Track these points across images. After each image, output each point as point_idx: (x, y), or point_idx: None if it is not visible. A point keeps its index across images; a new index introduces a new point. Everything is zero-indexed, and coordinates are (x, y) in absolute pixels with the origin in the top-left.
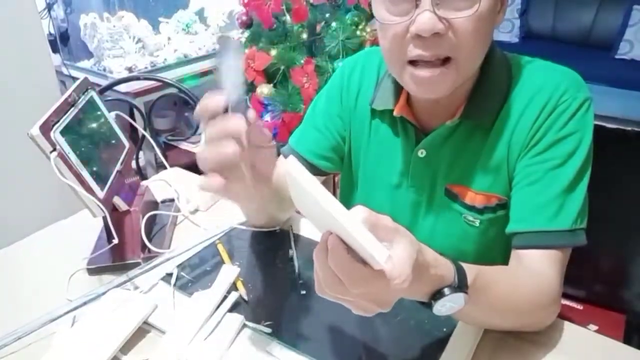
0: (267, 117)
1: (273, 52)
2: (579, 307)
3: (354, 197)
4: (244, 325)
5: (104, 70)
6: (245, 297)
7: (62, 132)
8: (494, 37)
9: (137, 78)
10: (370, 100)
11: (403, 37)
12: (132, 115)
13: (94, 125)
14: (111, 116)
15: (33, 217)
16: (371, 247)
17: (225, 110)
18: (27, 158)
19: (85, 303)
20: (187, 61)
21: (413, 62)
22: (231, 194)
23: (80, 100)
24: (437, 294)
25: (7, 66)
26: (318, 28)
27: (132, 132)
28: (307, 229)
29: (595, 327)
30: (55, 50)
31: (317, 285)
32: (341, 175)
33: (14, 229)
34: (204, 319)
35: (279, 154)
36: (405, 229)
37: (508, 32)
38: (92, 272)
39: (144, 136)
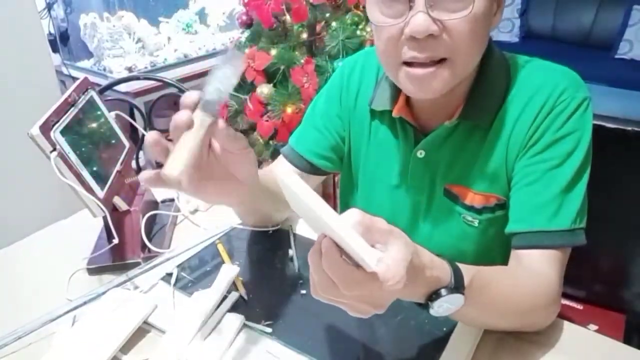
0: (267, 117)
1: (273, 52)
2: (579, 307)
3: (353, 197)
4: (244, 325)
5: (104, 70)
6: (245, 297)
7: (62, 132)
8: (494, 37)
9: (137, 78)
10: (369, 100)
11: (397, 39)
12: (132, 115)
13: (94, 125)
14: (111, 116)
15: (33, 217)
16: (362, 250)
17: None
18: (27, 158)
19: (85, 303)
20: (187, 61)
21: (408, 63)
22: (198, 193)
23: (80, 100)
24: (434, 295)
25: (7, 66)
26: (318, 28)
27: (132, 132)
28: (307, 229)
29: (595, 327)
30: (55, 50)
31: (312, 287)
32: (341, 175)
33: (14, 229)
34: (204, 319)
35: (278, 154)
36: (400, 230)
37: (508, 32)
38: (92, 272)
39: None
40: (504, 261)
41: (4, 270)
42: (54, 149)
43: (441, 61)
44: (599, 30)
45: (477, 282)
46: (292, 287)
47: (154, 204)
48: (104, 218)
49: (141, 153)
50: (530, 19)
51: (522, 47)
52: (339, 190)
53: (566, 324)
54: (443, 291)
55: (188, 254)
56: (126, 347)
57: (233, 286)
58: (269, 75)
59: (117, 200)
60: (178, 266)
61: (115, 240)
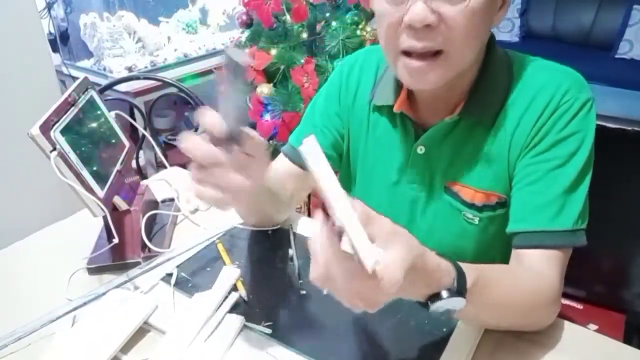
0: (267, 117)
1: (273, 52)
2: (579, 307)
3: (352, 194)
4: (244, 326)
5: (104, 69)
6: (245, 298)
7: (62, 132)
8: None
9: (137, 78)
10: (369, 96)
11: (397, 27)
12: (132, 115)
13: (94, 124)
14: (111, 116)
15: (33, 217)
16: (363, 250)
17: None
18: (27, 158)
19: (85, 303)
20: (187, 61)
21: (406, 53)
22: (221, 204)
23: (80, 99)
24: (435, 297)
25: (7, 66)
26: (318, 28)
27: (132, 132)
28: (307, 229)
29: (595, 327)
30: (55, 49)
31: (310, 271)
32: (340, 174)
33: (14, 229)
34: (204, 320)
35: (278, 154)
36: (405, 232)
37: (508, 31)
38: (92, 271)
39: (144, 136)
40: (503, 259)
41: (4, 270)
42: (54, 149)
43: (437, 54)
44: (599, 30)
45: (480, 283)
46: (292, 288)
47: (154, 204)
48: (104, 218)
49: (141, 153)
50: (530, 19)
51: (522, 47)
52: None
53: (566, 324)
54: (444, 293)
55: (188, 254)
56: (126, 347)
57: (233, 287)
58: (269, 75)
59: (117, 200)
60: (178, 266)
61: (115, 240)
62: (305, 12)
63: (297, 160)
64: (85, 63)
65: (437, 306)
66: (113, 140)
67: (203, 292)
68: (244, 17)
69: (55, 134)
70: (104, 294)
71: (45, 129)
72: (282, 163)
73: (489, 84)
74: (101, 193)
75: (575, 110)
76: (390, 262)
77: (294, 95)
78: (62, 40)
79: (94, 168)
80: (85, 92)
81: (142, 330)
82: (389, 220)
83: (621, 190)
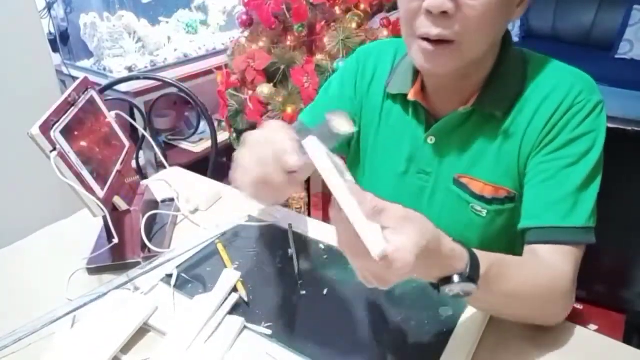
0: (267, 117)
1: (273, 52)
2: (579, 307)
3: (359, 181)
4: (244, 327)
5: (104, 69)
6: (245, 298)
7: (62, 132)
8: None
9: (137, 78)
10: (385, 84)
11: (416, 12)
12: (132, 115)
13: (94, 124)
14: (111, 116)
15: (33, 217)
16: (368, 241)
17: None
18: (27, 158)
19: (85, 303)
20: (187, 61)
21: (422, 37)
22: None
23: (80, 99)
24: (447, 280)
25: (7, 66)
26: (318, 28)
27: (132, 132)
28: (307, 229)
29: (595, 327)
30: (55, 49)
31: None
32: (348, 159)
33: (14, 229)
34: (205, 321)
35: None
36: (420, 215)
37: None
38: (92, 271)
39: (144, 136)
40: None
41: (4, 270)
42: (54, 149)
43: (450, 43)
44: (599, 30)
45: (494, 271)
46: (292, 288)
47: (154, 204)
48: (104, 218)
49: (141, 153)
50: (530, 19)
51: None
52: None
53: (566, 324)
54: (456, 278)
55: (188, 254)
56: (126, 348)
57: (233, 287)
58: (269, 75)
59: (117, 200)
60: (178, 267)
61: (115, 240)
62: (305, 12)
63: (305, 135)
64: (85, 63)
65: (448, 289)
66: (113, 141)
67: (203, 295)
68: (244, 17)
69: (55, 134)
70: (104, 294)
71: (45, 129)
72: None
73: (503, 79)
74: (101, 193)
75: (588, 110)
76: (401, 246)
77: (294, 96)
78: (62, 40)
79: (94, 168)
80: (85, 92)
81: (142, 331)
82: (401, 207)
83: (621, 190)
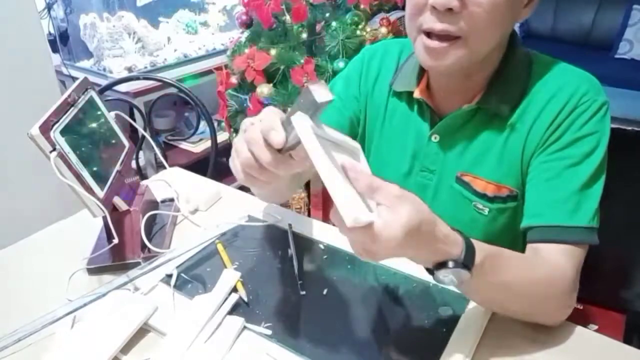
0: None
1: (273, 52)
2: (579, 307)
3: None
4: (244, 327)
5: (104, 70)
6: (245, 299)
7: (62, 132)
8: None
9: (137, 78)
10: (390, 82)
11: (422, 8)
12: (132, 115)
13: (94, 125)
14: (111, 116)
15: (33, 217)
16: (342, 208)
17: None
18: (27, 158)
19: (85, 304)
20: (187, 61)
21: (426, 34)
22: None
23: (80, 100)
24: (441, 265)
25: (7, 66)
26: (318, 28)
27: (132, 132)
28: (307, 229)
29: (595, 327)
30: (55, 50)
31: None
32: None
33: (14, 229)
34: (204, 321)
35: None
36: (416, 197)
37: None
38: (92, 272)
39: (143, 136)
40: None
41: (4, 270)
42: (54, 149)
43: (455, 39)
44: (599, 30)
45: (490, 261)
46: (292, 288)
47: (154, 204)
48: (104, 218)
49: (141, 153)
50: (530, 19)
51: None
52: None
53: (566, 324)
54: (450, 263)
55: (188, 255)
56: (126, 348)
57: (233, 288)
58: (269, 75)
59: (117, 200)
60: (178, 267)
61: (115, 240)
62: (305, 12)
63: None
64: (85, 63)
65: (442, 274)
66: (113, 141)
67: (203, 295)
68: (244, 17)
69: (55, 134)
70: (104, 294)
71: (45, 129)
72: None
73: (508, 78)
74: (101, 193)
75: (593, 111)
76: (391, 221)
77: (294, 96)
78: (62, 41)
79: (94, 168)
80: (85, 93)
81: (142, 331)
82: (397, 186)
83: (621, 190)
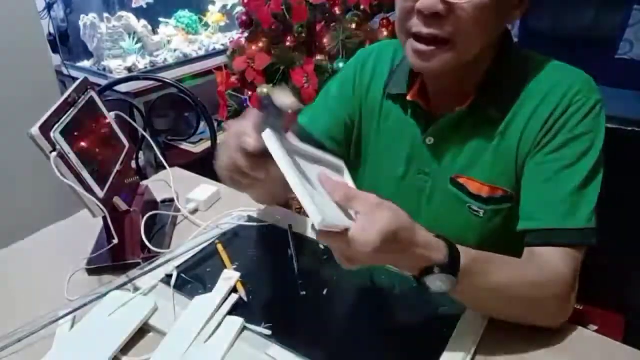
0: None
1: (273, 52)
2: (579, 307)
3: (360, 183)
4: (244, 328)
5: (104, 70)
6: (245, 299)
7: (62, 132)
8: None
9: (137, 78)
10: (384, 85)
11: (410, 12)
12: (132, 115)
13: (94, 125)
14: (111, 116)
15: (33, 217)
16: (310, 213)
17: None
18: (27, 158)
19: (85, 304)
20: (187, 61)
21: (415, 37)
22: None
23: (80, 100)
24: (427, 271)
25: (7, 66)
26: (318, 28)
27: (132, 132)
28: (307, 229)
29: (595, 327)
30: (55, 50)
31: None
32: (349, 162)
33: (14, 229)
34: (204, 321)
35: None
36: (393, 206)
37: None
38: (92, 272)
39: (143, 136)
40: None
41: (4, 270)
42: (54, 149)
43: (443, 42)
44: (599, 31)
45: (479, 266)
46: (292, 288)
47: (154, 204)
48: (104, 218)
49: (141, 154)
50: (530, 19)
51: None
52: None
53: (566, 324)
54: (436, 269)
55: (188, 255)
56: (126, 348)
57: (233, 288)
58: (269, 75)
59: (117, 201)
60: (177, 267)
61: (115, 241)
62: (305, 12)
63: (304, 136)
64: (85, 63)
65: (429, 281)
66: (113, 141)
67: (203, 296)
68: (244, 18)
69: (55, 134)
70: (104, 294)
71: (45, 129)
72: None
73: (501, 80)
74: (101, 194)
75: (587, 110)
76: (368, 226)
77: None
78: (62, 41)
79: (94, 168)
80: (85, 93)
81: (142, 332)
82: (375, 196)
83: (621, 190)
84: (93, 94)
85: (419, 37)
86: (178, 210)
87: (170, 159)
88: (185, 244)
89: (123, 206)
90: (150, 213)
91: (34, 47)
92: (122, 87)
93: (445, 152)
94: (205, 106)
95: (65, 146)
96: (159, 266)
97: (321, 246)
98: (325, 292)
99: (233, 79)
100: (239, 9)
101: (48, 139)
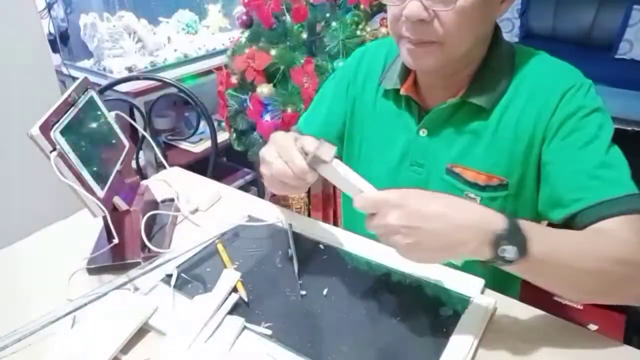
0: (267, 117)
1: (273, 52)
2: (579, 307)
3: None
4: (244, 327)
5: (104, 70)
6: (245, 298)
7: (62, 132)
8: None
9: (137, 78)
10: (378, 81)
11: (398, 18)
12: (132, 115)
13: (94, 125)
14: (111, 116)
15: (33, 217)
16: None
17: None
18: (27, 158)
19: (85, 304)
20: (187, 61)
21: (407, 38)
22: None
23: (80, 100)
24: (495, 242)
25: (7, 66)
26: (318, 28)
27: (132, 132)
28: (307, 229)
29: (595, 327)
30: (55, 50)
31: None
32: (343, 155)
33: (14, 229)
34: (205, 321)
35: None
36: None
37: (508, 32)
38: (92, 272)
39: (144, 136)
40: None
41: (4, 270)
42: (54, 149)
43: (433, 43)
44: (599, 30)
45: (547, 231)
46: (292, 288)
47: (154, 204)
48: (104, 218)
49: (141, 153)
50: (530, 19)
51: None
52: None
53: (566, 324)
54: (504, 230)
55: (188, 255)
56: (126, 348)
57: (233, 288)
58: (269, 75)
59: (117, 200)
60: (178, 267)
61: (115, 240)
62: (305, 12)
63: None
64: (85, 63)
65: (501, 248)
66: (113, 141)
67: (203, 295)
68: (244, 17)
69: (55, 134)
70: (104, 294)
71: (45, 129)
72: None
73: (491, 72)
74: (101, 193)
75: (586, 90)
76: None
77: (294, 96)
78: (62, 41)
79: (94, 168)
80: (85, 93)
81: (142, 331)
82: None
83: None
84: (93, 93)
85: (409, 39)
86: (178, 210)
87: (170, 158)
88: (185, 244)
89: (123, 206)
90: (150, 213)
91: (34, 47)
92: (122, 87)
93: (439, 143)
94: (205, 106)
95: (65, 146)
96: (159, 266)
97: (321, 246)
98: (325, 292)
99: (233, 78)
100: (239, 8)
101: (48, 138)
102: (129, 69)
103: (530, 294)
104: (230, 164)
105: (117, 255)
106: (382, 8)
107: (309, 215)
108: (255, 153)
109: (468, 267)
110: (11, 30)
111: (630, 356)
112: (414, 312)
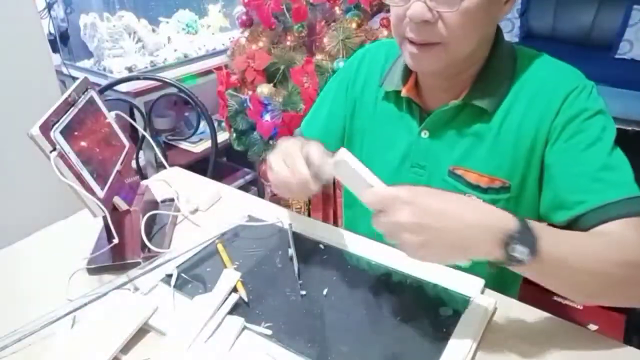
0: (267, 117)
1: (273, 52)
2: (579, 307)
3: None
4: (245, 327)
5: (104, 70)
6: (245, 298)
7: (62, 132)
8: None
9: (137, 78)
10: (379, 82)
11: (402, 19)
12: (132, 115)
13: (94, 125)
14: (111, 116)
15: (33, 217)
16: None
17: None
18: (27, 158)
19: (85, 304)
20: (187, 61)
21: (410, 40)
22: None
23: (80, 100)
24: (506, 242)
25: (7, 66)
26: (318, 28)
27: (132, 132)
28: (307, 229)
29: (595, 327)
30: (55, 50)
31: None
32: None
33: (14, 229)
34: (205, 321)
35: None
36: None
37: (508, 32)
38: (92, 271)
39: (144, 136)
40: None
41: (4, 270)
42: (54, 149)
43: (436, 44)
44: (599, 30)
45: (554, 232)
46: (292, 288)
47: (154, 204)
48: (104, 218)
49: (141, 153)
50: (530, 19)
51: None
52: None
53: (566, 324)
54: (515, 232)
55: (188, 255)
56: (126, 348)
57: (233, 288)
58: (269, 75)
59: (117, 200)
60: (178, 267)
61: (115, 240)
62: (305, 12)
63: None
64: (85, 63)
65: (510, 247)
66: (113, 141)
67: (203, 295)
68: (244, 17)
69: (55, 134)
70: (104, 294)
71: (45, 129)
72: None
73: (493, 74)
74: (101, 193)
75: (588, 92)
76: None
77: (294, 96)
78: (62, 41)
79: (94, 168)
80: (85, 93)
81: (142, 331)
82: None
83: None
84: (93, 93)
85: (412, 41)
86: (178, 210)
87: (170, 158)
88: (185, 244)
89: (123, 206)
90: (150, 213)
91: (34, 47)
92: (122, 87)
93: (440, 145)
94: (205, 106)
95: (65, 146)
96: (159, 266)
97: (321, 246)
98: (325, 292)
99: (233, 78)
100: (239, 8)
101: (48, 138)
102: (129, 69)
103: (530, 294)
104: (230, 164)
105: (117, 255)
106: (382, 8)
107: (309, 215)
108: (255, 153)
109: (468, 266)
110: (11, 30)
111: (630, 356)
112: (414, 312)
